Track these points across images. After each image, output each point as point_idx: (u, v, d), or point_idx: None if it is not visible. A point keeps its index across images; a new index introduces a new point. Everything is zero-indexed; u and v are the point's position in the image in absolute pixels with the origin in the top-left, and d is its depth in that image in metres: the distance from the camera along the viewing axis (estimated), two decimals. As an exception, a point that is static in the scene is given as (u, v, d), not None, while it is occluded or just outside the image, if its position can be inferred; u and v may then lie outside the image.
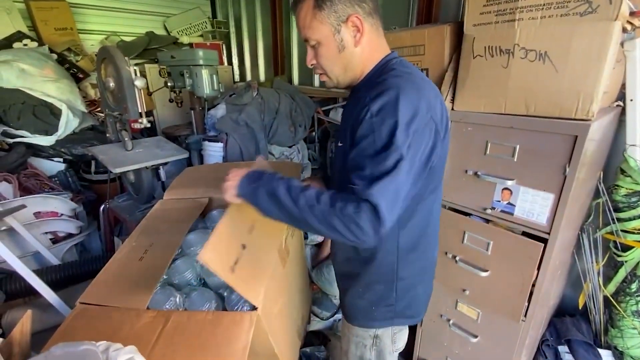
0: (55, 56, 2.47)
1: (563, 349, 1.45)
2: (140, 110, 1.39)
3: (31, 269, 1.51)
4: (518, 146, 0.98)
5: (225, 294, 0.88)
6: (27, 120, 1.98)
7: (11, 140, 1.95)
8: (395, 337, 0.97)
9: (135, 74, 1.34)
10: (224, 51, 3.86)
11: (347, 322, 1.00)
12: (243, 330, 0.74)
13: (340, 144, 0.85)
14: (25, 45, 2.43)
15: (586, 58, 0.85)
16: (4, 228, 1.42)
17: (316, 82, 2.70)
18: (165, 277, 0.93)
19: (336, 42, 0.78)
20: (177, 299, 0.86)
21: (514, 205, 1.04)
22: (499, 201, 1.07)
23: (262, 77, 3.43)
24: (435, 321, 1.40)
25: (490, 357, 1.25)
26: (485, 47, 1.01)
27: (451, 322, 1.34)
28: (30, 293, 1.30)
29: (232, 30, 3.73)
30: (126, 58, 1.36)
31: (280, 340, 1.01)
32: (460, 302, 1.29)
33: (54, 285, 1.37)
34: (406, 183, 0.69)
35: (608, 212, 1.21)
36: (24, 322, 1.00)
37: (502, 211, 1.07)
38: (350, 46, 0.79)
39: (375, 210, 0.64)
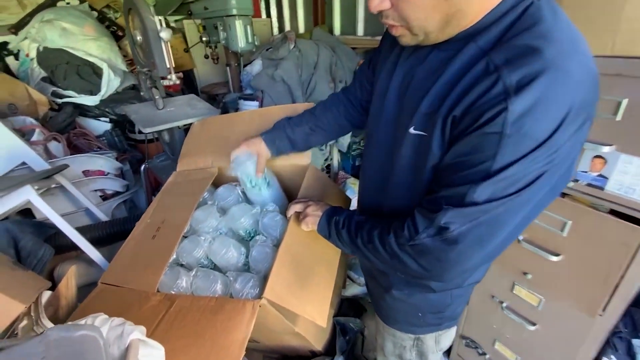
0: (95, 14, 2.46)
1: (638, 342, 1.25)
2: (168, 66, 1.30)
3: (84, 224, 1.62)
4: (626, 100, 0.74)
5: (231, 278, 0.82)
6: (73, 80, 2.02)
7: (60, 101, 2.02)
8: (440, 339, 0.85)
9: (161, 25, 1.24)
10: (262, 2, 3.62)
11: (383, 321, 0.89)
12: (244, 320, 0.69)
13: (414, 130, 0.58)
14: (68, 3, 2.44)
15: None
16: (54, 186, 1.49)
17: (360, 31, 2.39)
18: (174, 256, 0.90)
19: None
20: (184, 282, 0.83)
21: (607, 178, 0.82)
22: (586, 172, 0.85)
23: (301, 28, 3.18)
24: (485, 301, 1.26)
25: (550, 348, 1.10)
26: (592, -38, 0.73)
27: (504, 304, 1.18)
28: (79, 247, 1.38)
29: (270, -24, 3.44)
30: (151, 7, 1.25)
31: (302, 317, 0.96)
32: (518, 285, 1.12)
33: (102, 242, 1.44)
34: (514, 216, 0.51)
35: None
36: (68, 277, 1.04)
37: (588, 185, 0.85)
38: None
39: (453, 246, 0.52)
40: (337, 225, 0.73)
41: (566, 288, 0.97)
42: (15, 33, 2.22)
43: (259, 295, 0.75)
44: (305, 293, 0.82)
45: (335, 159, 2.36)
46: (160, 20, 1.24)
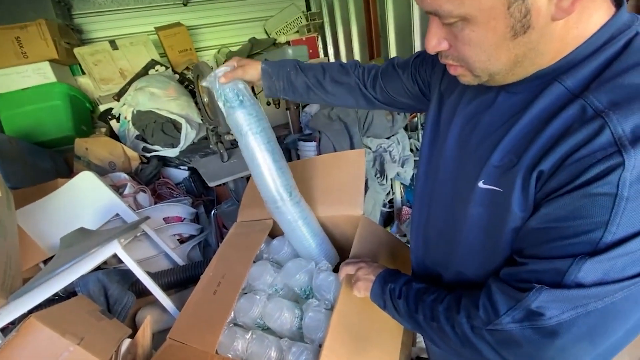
0: (177, 76, 2.84)
1: None
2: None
3: (164, 266, 1.77)
4: None
5: (284, 347, 0.78)
6: (158, 136, 2.32)
7: (148, 155, 2.33)
8: None
9: (223, 87, 1.34)
10: (320, 43, 3.79)
11: None
12: None
13: (484, 185, 0.49)
14: (157, 71, 2.86)
15: None
16: (140, 233, 1.68)
17: (417, 60, 2.32)
18: (231, 316, 0.91)
19: (509, 20, 0.39)
20: (240, 345, 0.82)
21: None
22: None
23: (357, 63, 3.23)
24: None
25: None
26: None
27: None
28: (159, 292, 1.50)
29: (326, 19, 3.63)
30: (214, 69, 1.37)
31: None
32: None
33: (175, 285, 1.55)
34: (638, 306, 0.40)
35: None
36: (145, 327, 1.12)
37: None
38: (540, 22, 0.39)
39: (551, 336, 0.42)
40: (392, 294, 0.64)
41: None
42: (118, 100, 2.66)
43: (312, 371, 0.70)
44: None
45: (398, 192, 2.25)
46: (222, 82, 1.35)
